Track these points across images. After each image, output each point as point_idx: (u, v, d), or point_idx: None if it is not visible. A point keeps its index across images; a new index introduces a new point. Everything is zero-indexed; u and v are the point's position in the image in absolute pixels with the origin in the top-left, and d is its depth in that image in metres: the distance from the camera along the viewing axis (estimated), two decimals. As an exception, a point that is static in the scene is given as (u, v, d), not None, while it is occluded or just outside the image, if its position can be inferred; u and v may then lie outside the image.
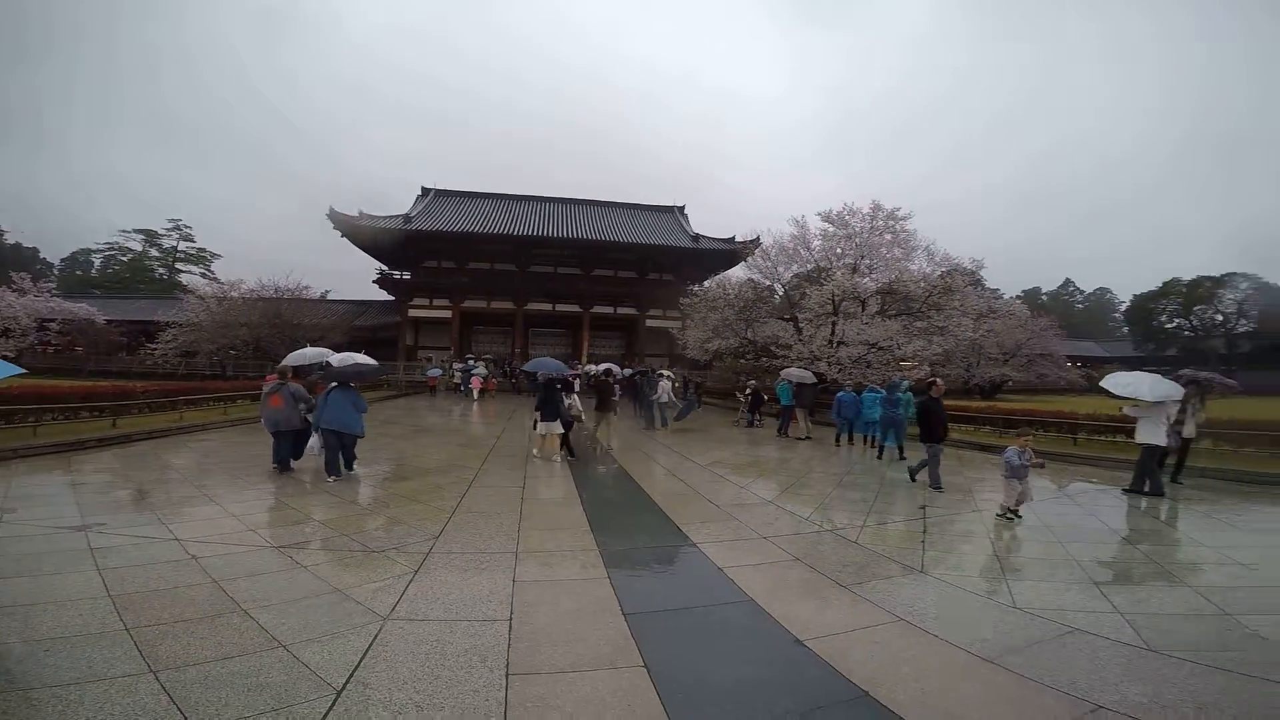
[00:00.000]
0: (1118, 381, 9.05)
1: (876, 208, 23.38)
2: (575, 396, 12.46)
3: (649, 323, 41.60)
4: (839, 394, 15.32)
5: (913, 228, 23.44)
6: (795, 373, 17.14)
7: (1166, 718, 2.81)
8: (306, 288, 38.96)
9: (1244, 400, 15.27)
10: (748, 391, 19.40)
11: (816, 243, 24.54)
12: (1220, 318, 55.80)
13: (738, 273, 31.20)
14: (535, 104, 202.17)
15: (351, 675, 3.11)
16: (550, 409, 10.74)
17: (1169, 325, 58.26)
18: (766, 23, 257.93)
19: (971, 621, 4.02)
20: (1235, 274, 55.86)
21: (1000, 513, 7.05)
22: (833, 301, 22.39)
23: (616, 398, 14.34)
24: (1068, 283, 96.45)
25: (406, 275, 41.16)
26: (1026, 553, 5.87)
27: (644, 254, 41.74)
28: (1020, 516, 6.94)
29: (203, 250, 72.89)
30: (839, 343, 21.67)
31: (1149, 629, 3.84)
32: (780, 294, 25.94)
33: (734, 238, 39.49)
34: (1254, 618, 4.03)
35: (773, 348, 23.69)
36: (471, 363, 34.44)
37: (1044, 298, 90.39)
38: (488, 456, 11.28)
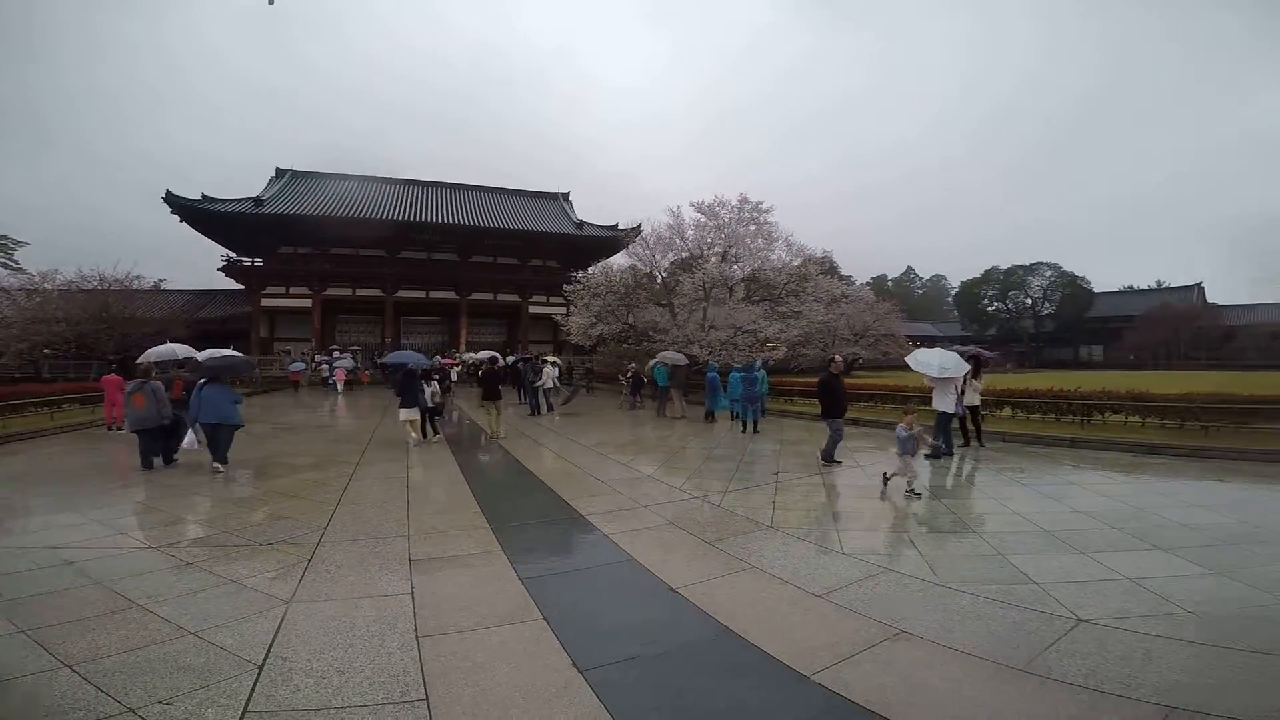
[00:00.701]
0: (916, 359, 10.44)
1: (744, 200, 25.08)
2: (435, 384, 13.13)
3: (532, 309, 41.43)
4: (709, 374, 16.66)
5: (774, 220, 25.40)
6: (670, 355, 18.20)
7: (951, 636, 3.57)
8: (138, 277, 34.70)
9: (1046, 373, 18.29)
10: (628, 375, 20.30)
11: (690, 232, 25.90)
12: (1029, 302, 65.15)
13: (620, 260, 32.01)
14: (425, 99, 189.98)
15: (269, 651, 3.39)
16: (410, 397, 11.54)
17: (989, 309, 67.05)
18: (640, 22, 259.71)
19: (808, 566, 4.90)
20: (1041, 263, 65.48)
21: (908, 489, 7.32)
22: (703, 288, 23.88)
23: (503, 386, 14.61)
24: (909, 270, 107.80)
25: (259, 262, 37.82)
26: (857, 509, 6.98)
27: (527, 240, 41.34)
28: (919, 494, 7.26)
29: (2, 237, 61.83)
30: (710, 327, 23.17)
31: (943, 568, 4.75)
32: (659, 281, 27.10)
33: (617, 225, 40.21)
34: (1020, 557, 5.03)
35: (651, 332, 24.83)
36: (337, 354, 32.60)
37: (889, 284, 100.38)
38: (366, 449, 11.22)
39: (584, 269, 36.84)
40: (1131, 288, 68.63)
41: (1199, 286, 60.49)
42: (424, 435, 11.96)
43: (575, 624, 3.80)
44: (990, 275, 67.39)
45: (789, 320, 24.46)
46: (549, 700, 2.91)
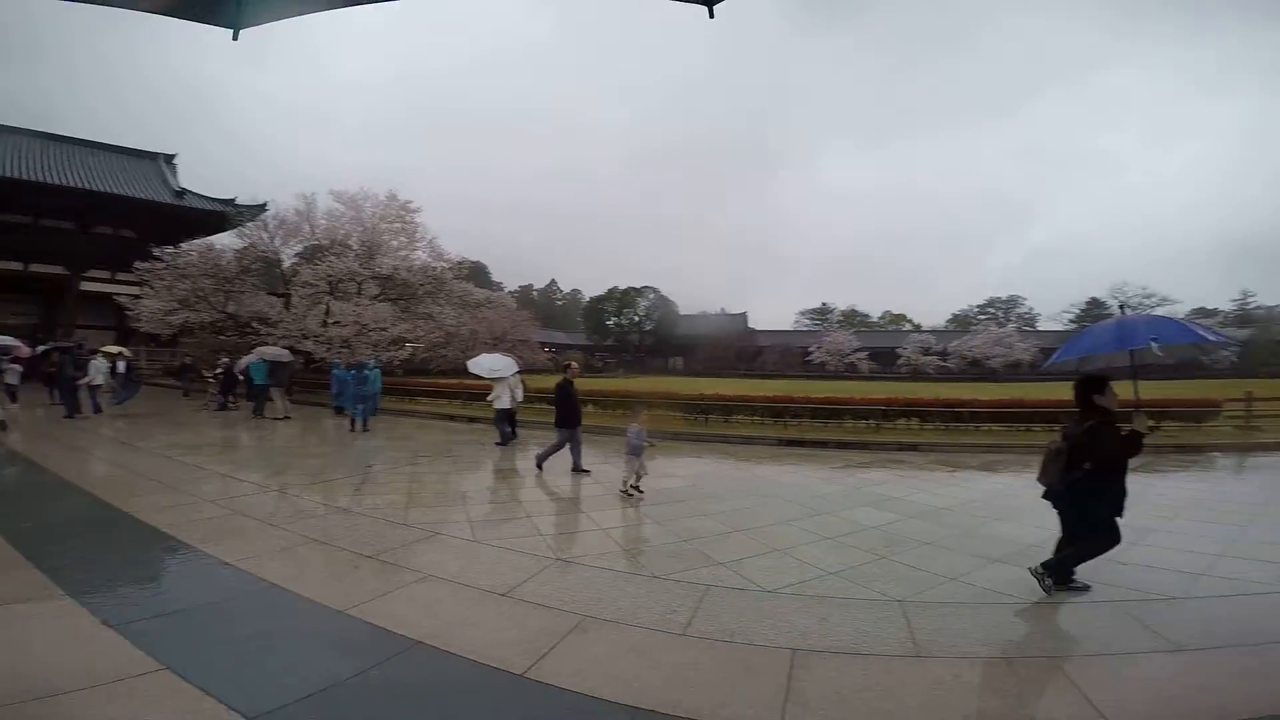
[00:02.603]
0: (475, 364, 12.32)
1: (392, 196, 24.65)
2: None
3: (87, 287, 32.35)
4: (335, 371, 16.21)
5: (420, 220, 25.52)
6: (270, 351, 16.99)
7: (592, 607, 4.08)
8: None
9: (644, 378, 22.11)
10: (218, 371, 18.00)
11: (323, 221, 24.31)
12: (637, 318, 77.91)
13: (229, 240, 27.67)
14: None
15: None
16: None
17: (609, 322, 77.97)
18: None
19: (480, 567, 4.93)
20: (649, 287, 79.00)
21: (624, 489, 7.40)
22: (329, 281, 22.67)
23: (17, 382, 11.67)
24: (553, 282, 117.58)
25: None
26: (490, 499, 7.61)
27: (92, 202, 31.96)
28: (642, 492, 7.36)
29: None
30: (333, 322, 22.11)
31: (558, 547, 5.47)
32: (281, 268, 24.56)
33: (235, 199, 34.30)
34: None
35: (255, 324, 22.37)
36: None
37: (535, 294, 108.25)
38: None
39: (177, 244, 30.68)
40: (704, 312, 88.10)
41: (744, 314, 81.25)
42: None
43: (218, 670, 3.15)
44: (612, 293, 78.47)
45: (418, 321, 24.89)
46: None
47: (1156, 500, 7.17)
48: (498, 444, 11.51)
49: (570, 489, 8.09)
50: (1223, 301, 62.21)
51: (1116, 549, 4.31)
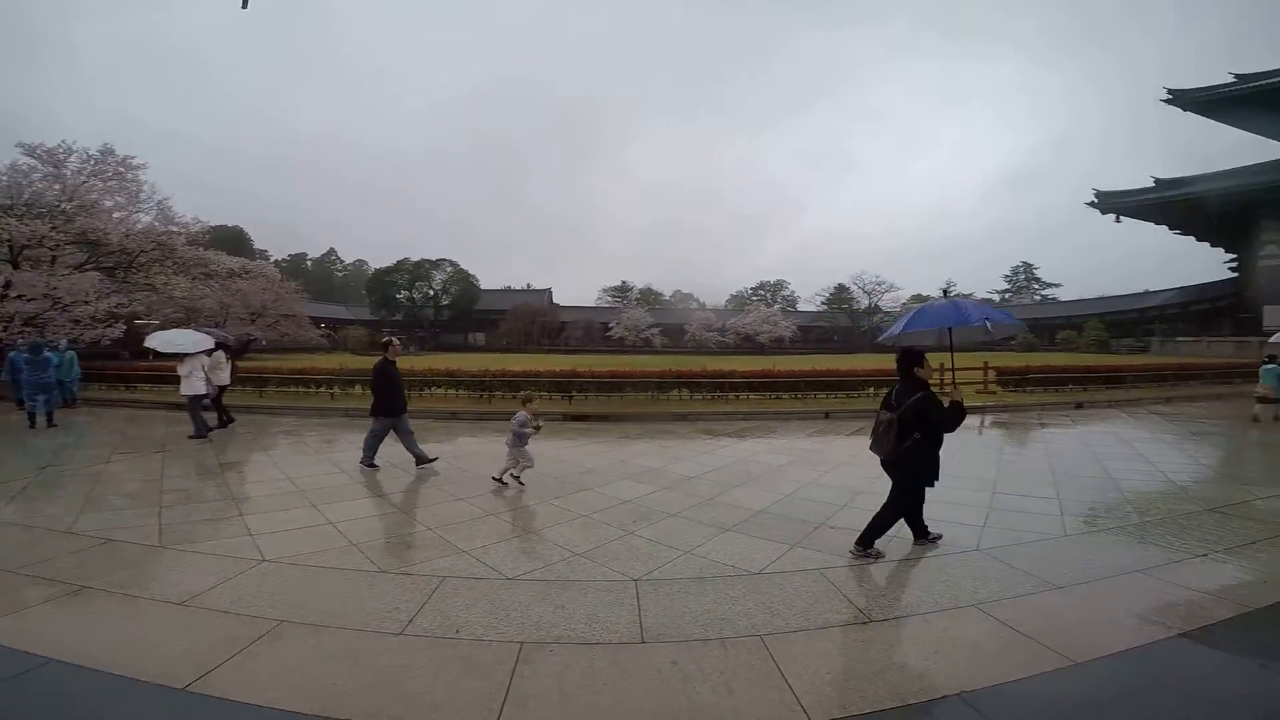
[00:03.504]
0: (154, 338, 10.55)
1: (107, 150, 20.53)
2: None
3: None
4: (11, 355, 12.55)
5: (146, 179, 21.47)
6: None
7: (295, 611, 3.73)
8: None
9: (442, 355, 20.49)
10: None
11: (3, 178, 19.30)
12: (432, 292, 73.28)
13: None
14: None
15: None
16: None
17: (399, 296, 72.27)
18: None
19: (156, 569, 4.44)
20: (445, 260, 74.40)
21: (499, 477, 6.96)
22: (10, 247, 17.84)
23: None
24: (331, 251, 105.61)
25: None
26: (195, 499, 6.74)
27: None
28: (522, 483, 6.97)
29: None
30: (17, 295, 17.37)
31: (270, 547, 4.88)
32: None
33: None
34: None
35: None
36: None
37: (309, 263, 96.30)
38: None
39: None
40: (509, 287, 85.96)
41: (549, 290, 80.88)
42: None
43: None
44: (402, 265, 72.67)
45: (141, 294, 20.60)
46: None
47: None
48: (192, 437, 9.92)
49: (310, 481, 7.21)
50: (932, 289, 77.15)
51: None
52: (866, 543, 4.70)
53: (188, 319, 25.93)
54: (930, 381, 4.69)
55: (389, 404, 7.79)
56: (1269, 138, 39.06)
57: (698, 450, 9.28)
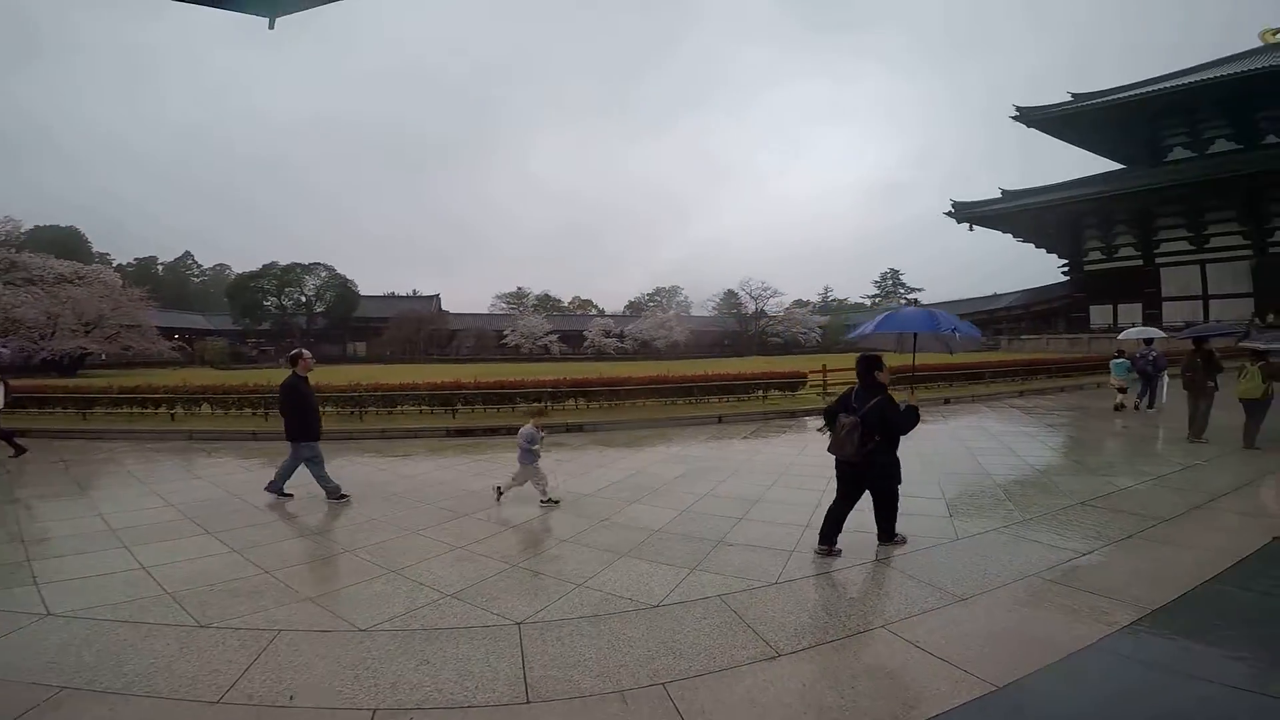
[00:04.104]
0: None
1: None
2: None
3: None
4: None
5: None
6: None
7: (77, 677, 2.91)
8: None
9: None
10: None
11: None
12: (304, 299, 67.64)
13: None
14: None
15: None
16: None
17: (266, 303, 66.06)
18: None
19: None
20: (319, 264, 68.91)
21: (544, 499, 6.47)
22: None
23: None
24: (187, 255, 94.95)
25: None
26: None
27: None
28: (556, 500, 6.53)
29: None
30: None
31: (54, 598, 4.04)
32: None
33: None
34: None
35: None
36: None
37: (159, 267, 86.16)
38: None
39: None
40: (393, 294, 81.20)
41: (437, 297, 77.25)
42: None
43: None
44: (269, 270, 66.50)
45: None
46: None
47: (775, 464, 8.25)
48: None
49: (127, 518, 6.02)
50: (811, 294, 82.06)
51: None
52: (889, 535, 4.82)
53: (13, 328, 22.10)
54: (887, 383, 4.74)
55: (305, 426, 6.78)
56: (1095, 153, 44.81)
57: (593, 463, 8.76)
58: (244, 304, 63.72)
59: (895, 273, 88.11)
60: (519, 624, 3.67)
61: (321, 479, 6.80)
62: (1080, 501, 6.14)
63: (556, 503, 6.45)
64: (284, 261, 67.32)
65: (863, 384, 4.73)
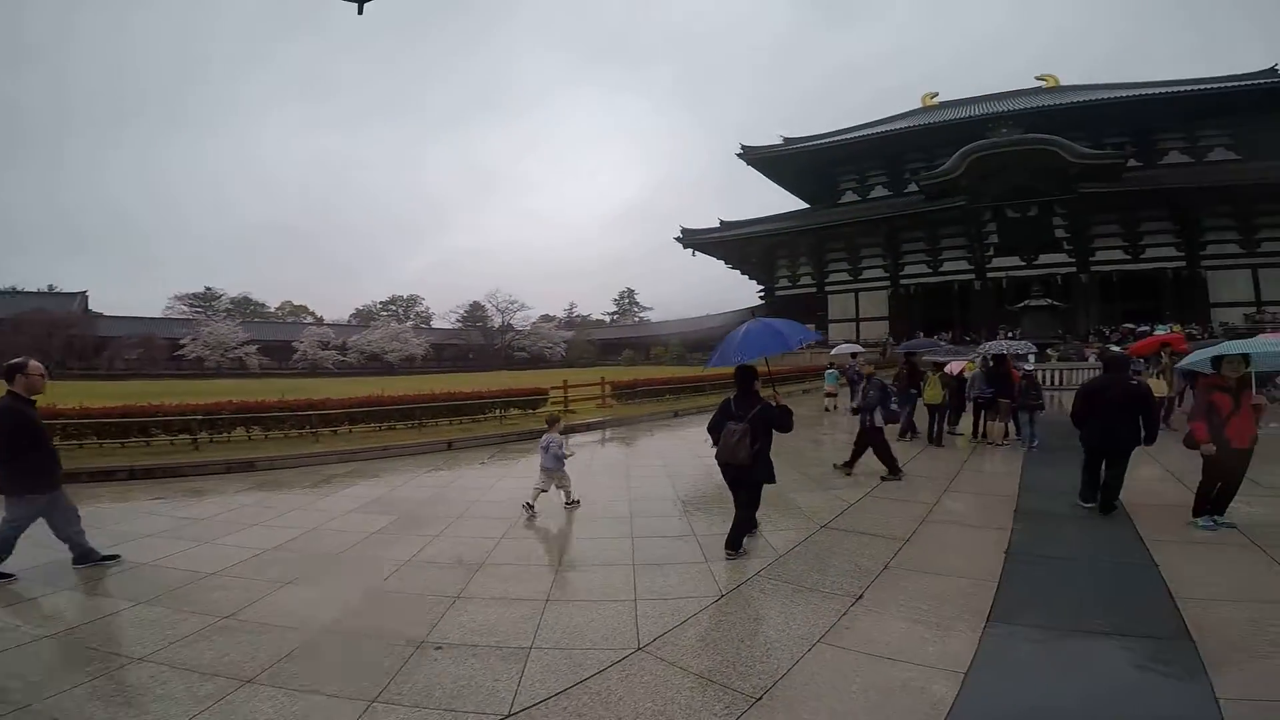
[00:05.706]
0: None
1: None
2: None
3: None
4: None
5: None
6: None
7: None
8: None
9: None
10: None
11: None
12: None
13: None
14: None
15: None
16: None
17: None
18: None
19: None
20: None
21: (567, 502, 6.41)
22: None
23: None
24: None
25: None
26: None
27: None
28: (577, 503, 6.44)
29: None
30: None
31: None
32: None
33: None
34: None
35: None
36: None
37: None
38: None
39: None
40: (15, 289, 60.14)
41: (83, 294, 59.36)
42: None
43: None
44: None
45: None
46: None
47: (510, 503, 6.71)
48: None
49: None
50: (558, 310, 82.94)
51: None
52: (735, 545, 4.81)
53: None
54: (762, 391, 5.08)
55: (34, 471, 4.52)
56: (792, 193, 52.80)
57: (243, 519, 6.10)
58: None
59: (631, 292, 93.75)
60: None
61: (73, 536, 4.72)
62: (821, 526, 5.78)
63: (577, 502, 6.48)
64: None
65: (741, 391, 5.01)
